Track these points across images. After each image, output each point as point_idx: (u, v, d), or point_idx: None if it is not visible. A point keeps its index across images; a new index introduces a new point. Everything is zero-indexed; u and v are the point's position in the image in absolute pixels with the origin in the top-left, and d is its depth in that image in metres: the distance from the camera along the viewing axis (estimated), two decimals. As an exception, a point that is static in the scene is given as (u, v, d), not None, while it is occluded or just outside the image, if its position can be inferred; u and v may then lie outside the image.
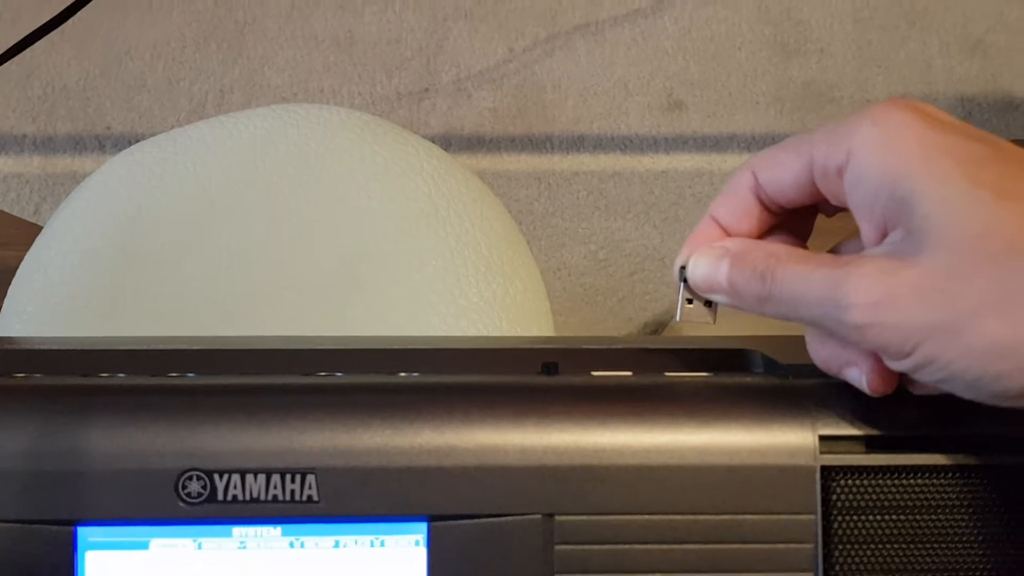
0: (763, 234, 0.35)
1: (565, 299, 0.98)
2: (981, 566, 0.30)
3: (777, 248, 0.33)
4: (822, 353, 0.32)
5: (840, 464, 0.30)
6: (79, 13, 0.69)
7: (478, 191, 0.60)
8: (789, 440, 0.30)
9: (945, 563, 0.30)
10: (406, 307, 0.54)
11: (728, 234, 0.36)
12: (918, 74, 1.01)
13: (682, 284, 0.36)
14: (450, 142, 1.02)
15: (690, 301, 0.36)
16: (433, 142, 1.14)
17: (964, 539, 0.30)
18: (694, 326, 0.37)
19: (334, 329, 0.54)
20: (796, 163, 0.33)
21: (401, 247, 0.55)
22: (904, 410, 0.31)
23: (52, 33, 0.67)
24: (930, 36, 1.01)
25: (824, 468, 0.30)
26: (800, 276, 0.31)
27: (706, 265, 0.35)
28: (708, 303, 0.36)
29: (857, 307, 0.29)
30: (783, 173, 0.34)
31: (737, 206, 0.35)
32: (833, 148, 0.31)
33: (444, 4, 1.06)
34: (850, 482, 0.30)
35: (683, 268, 0.36)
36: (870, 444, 0.30)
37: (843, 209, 0.33)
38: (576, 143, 1.02)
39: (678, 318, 0.37)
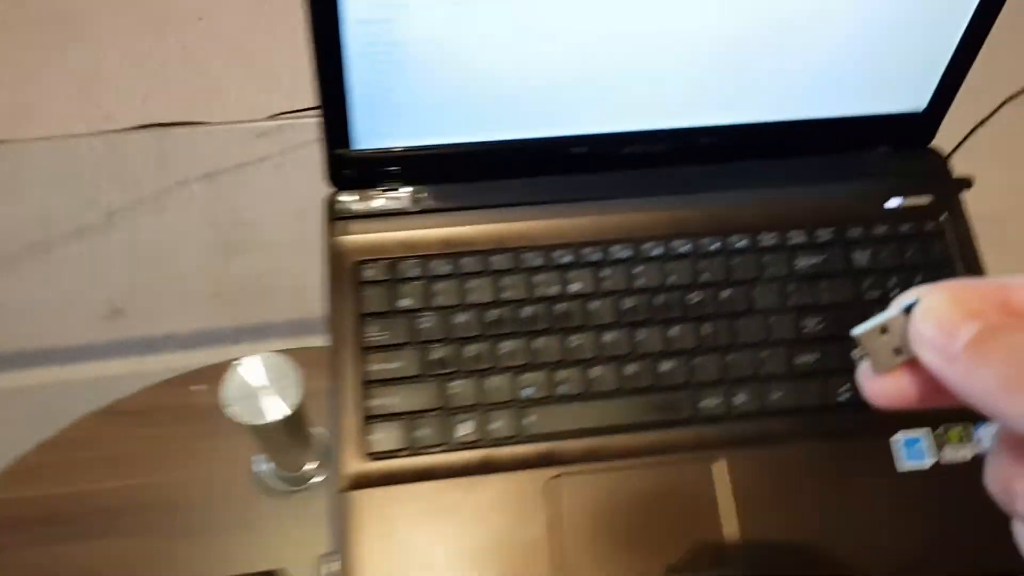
0: None
1: None
2: None
3: None
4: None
5: None
6: None
7: None
8: None
9: None
10: None
11: (1010, 313, 0.26)
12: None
13: (899, 312, 0.29)
14: None
15: (884, 331, 0.29)
16: None
17: None
18: (862, 354, 0.30)
19: None
20: None
21: None
22: None
23: None
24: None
25: None
26: None
27: (948, 313, 0.26)
28: (899, 351, 0.29)
29: None
30: None
31: None
32: None
33: None
34: None
35: (915, 303, 0.28)
36: None
37: None
38: (16, 360, 1.04)
39: (858, 331, 0.30)
